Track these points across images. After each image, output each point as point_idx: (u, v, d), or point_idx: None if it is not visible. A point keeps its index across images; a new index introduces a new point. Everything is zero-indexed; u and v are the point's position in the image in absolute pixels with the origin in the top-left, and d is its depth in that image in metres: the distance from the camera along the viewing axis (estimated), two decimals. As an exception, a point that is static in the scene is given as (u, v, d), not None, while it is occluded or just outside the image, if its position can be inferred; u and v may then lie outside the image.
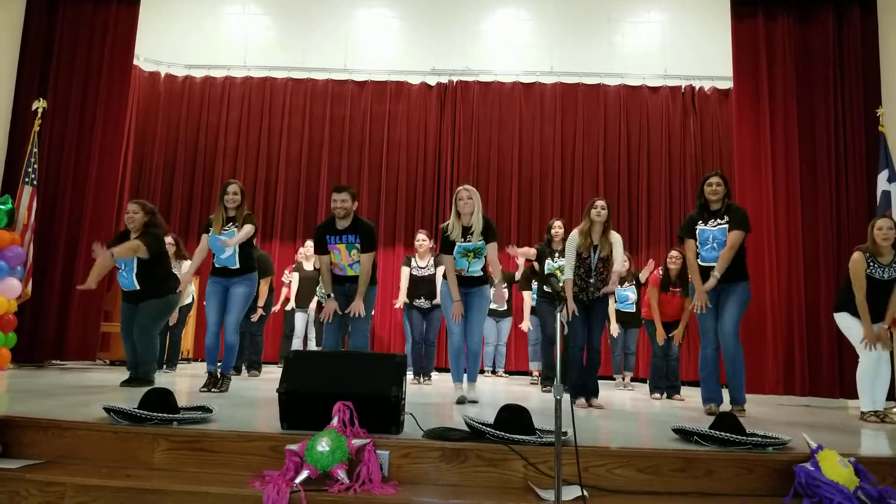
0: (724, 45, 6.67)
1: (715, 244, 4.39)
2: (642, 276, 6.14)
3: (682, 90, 8.81)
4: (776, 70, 6.34)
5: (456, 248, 4.48)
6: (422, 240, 6.24)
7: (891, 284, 4.46)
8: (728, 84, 7.43)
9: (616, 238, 4.63)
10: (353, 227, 4.58)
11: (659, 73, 8.83)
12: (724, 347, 4.36)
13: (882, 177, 5.71)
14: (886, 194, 5.46)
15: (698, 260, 4.46)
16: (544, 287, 5.81)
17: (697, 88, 8.79)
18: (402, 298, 6.24)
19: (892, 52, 5.91)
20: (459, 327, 4.54)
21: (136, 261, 4.76)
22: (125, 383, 4.64)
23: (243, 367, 6.41)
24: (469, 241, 4.47)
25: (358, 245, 4.56)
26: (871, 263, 4.44)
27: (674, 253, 5.71)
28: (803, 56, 6.35)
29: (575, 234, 4.65)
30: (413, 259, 6.24)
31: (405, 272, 6.24)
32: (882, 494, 2.43)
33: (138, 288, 4.79)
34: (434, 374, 6.44)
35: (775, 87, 6.31)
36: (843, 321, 4.61)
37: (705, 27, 8.41)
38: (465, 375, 4.66)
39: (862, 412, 4.44)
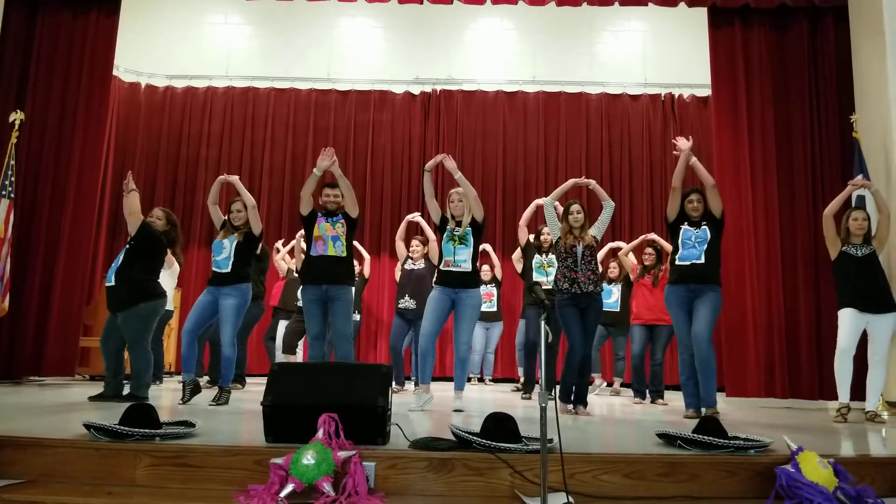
0: (703, 53, 6.76)
1: (696, 243, 4.53)
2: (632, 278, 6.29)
3: (662, 98, 8.92)
4: (753, 77, 6.44)
5: (445, 232, 4.68)
6: (416, 245, 6.41)
7: (868, 261, 4.60)
8: (707, 91, 7.52)
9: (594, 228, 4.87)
10: (339, 213, 4.75)
11: (639, 81, 8.93)
12: (698, 351, 4.40)
13: (857, 182, 5.81)
14: (861, 199, 5.53)
15: (677, 257, 4.61)
16: (531, 293, 5.86)
17: (677, 96, 8.90)
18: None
19: (865, 59, 6.02)
20: (429, 330, 4.56)
21: (126, 250, 4.75)
22: (97, 398, 4.58)
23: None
24: (457, 231, 4.65)
25: (342, 221, 4.68)
26: (845, 244, 4.70)
27: (648, 249, 6.11)
28: (779, 64, 6.45)
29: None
30: (409, 257, 6.44)
31: (399, 267, 6.52)
32: (860, 494, 2.47)
33: (122, 281, 4.67)
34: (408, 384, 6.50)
35: (753, 94, 6.41)
36: (840, 316, 4.67)
37: (684, 36, 8.52)
38: (454, 383, 4.65)
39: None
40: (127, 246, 4.81)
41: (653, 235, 6.25)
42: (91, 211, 6.67)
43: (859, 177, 5.50)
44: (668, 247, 5.42)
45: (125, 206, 4.78)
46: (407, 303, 6.22)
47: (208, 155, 8.81)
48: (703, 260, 4.48)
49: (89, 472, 2.61)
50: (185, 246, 8.25)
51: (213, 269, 4.75)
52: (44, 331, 6.29)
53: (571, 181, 5.01)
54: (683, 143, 4.64)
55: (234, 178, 4.92)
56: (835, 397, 4.75)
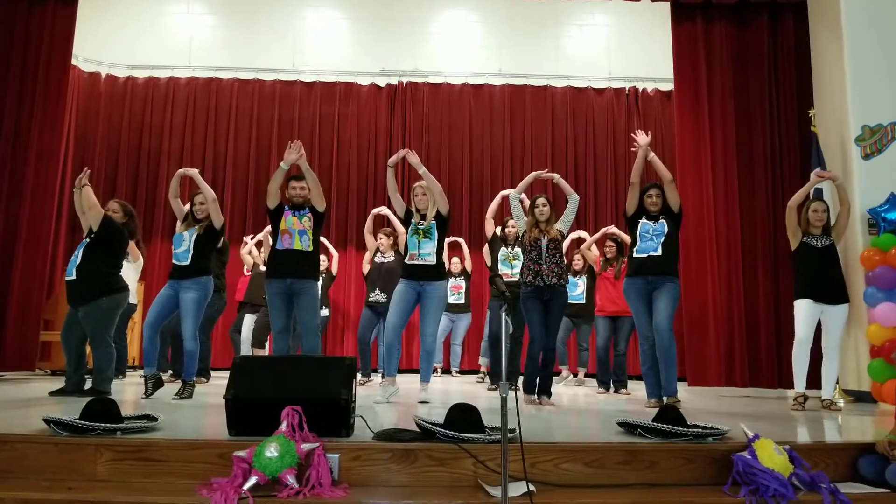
0: (666, 47, 6.88)
1: (654, 236, 4.60)
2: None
3: (627, 91, 9.03)
4: (715, 72, 6.57)
5: (410, 226, 4.69)
6: (383, 238, 6.38)
7: (827, 252, 4.72)
8: (670, 85, 7.66)
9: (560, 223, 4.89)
10: (306, 207, 4.72)
11: (604, 74, 9.03)
12: (659, 341, 4.47)
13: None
14: (818, 191, 5.70)
15: (635, 250, 4.68)
16: (492, 285, 5.90)
17: (641, 90, 9.02)
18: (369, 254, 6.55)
19: (823, 55, 6.18)
20: (394, 323, 4.57)
21: (84, 244, 4.64)
22: (57, 393, 4.49)
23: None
24: (421, 224, 4.66)
25: (309, 215, 4.65)
26: (805, 235, 4.78)
27: (609, 242, 6.20)
28: (740, 59, 6.59)
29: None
30: (379, 250, 6.42)
31: (366, 259, 6.55)
32: (814, 479, 2.56)
33: (83, 275, 4.57)
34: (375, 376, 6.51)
35: (714, 89, 6.54)
36: (796, 307, 4.78)
37: (648, 30, 8.64)
38: (420, 375, 4.67)
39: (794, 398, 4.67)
40: (86, 240, 4.70)
41: (613, 228, 6.32)
42: (50, 203, 6.53)
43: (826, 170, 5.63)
44: (628, 239, 5.49)
45: (82, 202, 4.68)
46: (377, 296, 6.20)
47: (171, 146, 8.65)
48: (660, 252, 4.55)
49: (49, 468, 2.57)
50: (148, 239, 8.13)
51: (173, 261, 4.70)
52: (2, 325, 6.15)
53: (534, 174, 5.04)
54: (642, 139, 4.71)
55: (194, 172, 4.83)
56: (793, 386, 4.90)
